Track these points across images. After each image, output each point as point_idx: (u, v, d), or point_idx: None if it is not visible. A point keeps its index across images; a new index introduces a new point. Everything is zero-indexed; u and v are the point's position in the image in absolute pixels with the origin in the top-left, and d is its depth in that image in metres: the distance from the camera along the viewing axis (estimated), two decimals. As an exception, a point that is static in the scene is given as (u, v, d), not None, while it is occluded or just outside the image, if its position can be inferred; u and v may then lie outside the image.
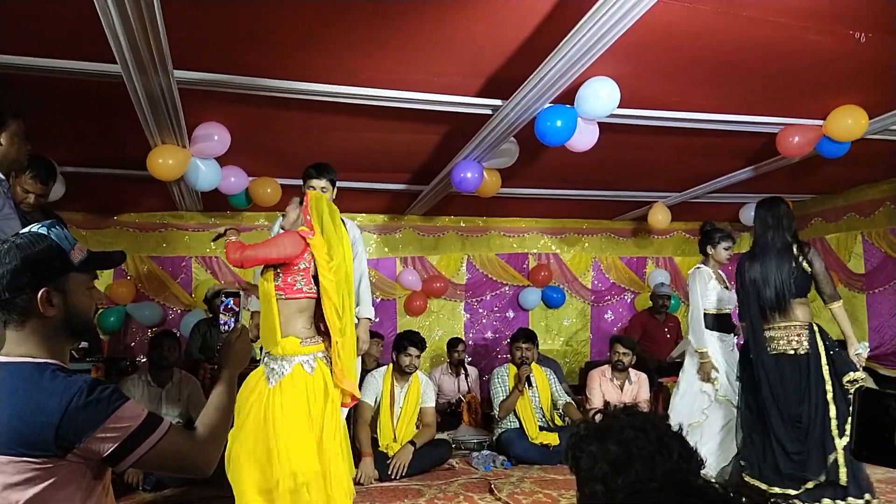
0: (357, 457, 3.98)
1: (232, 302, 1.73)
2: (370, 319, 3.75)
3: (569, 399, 5.02)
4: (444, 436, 4.94)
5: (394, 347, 4.67)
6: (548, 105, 3.63)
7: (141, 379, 4.29)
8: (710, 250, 4.20)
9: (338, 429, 2.77)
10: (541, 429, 4.80)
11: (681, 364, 4.33)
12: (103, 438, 1.30)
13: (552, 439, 4.61)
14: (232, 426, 1.53)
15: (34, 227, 1.42)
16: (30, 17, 2.70)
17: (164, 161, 4.09)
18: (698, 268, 4.21)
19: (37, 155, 2.88)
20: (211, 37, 2.94)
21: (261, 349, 2.91)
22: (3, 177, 2.49)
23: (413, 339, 4.63)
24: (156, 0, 2.42)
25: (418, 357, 4.62)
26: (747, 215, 6.48)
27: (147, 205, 5.99)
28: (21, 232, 1.42)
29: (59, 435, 1.26)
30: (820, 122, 4.04)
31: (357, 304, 3.58)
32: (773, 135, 4.26)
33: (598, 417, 1.10)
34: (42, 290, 1.35)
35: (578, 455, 1.05)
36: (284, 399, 2.68)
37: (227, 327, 1.78)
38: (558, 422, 4.96)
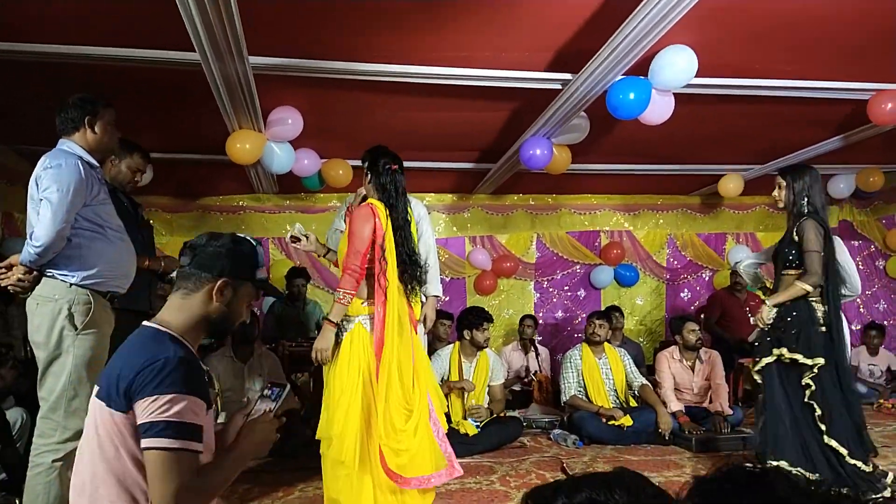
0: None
1: (276, 392, 1.74)
2: (438, 297, 3.78)
3: (644, 381, 4.93)
4: (515, 414, 4.96)
5: (464, 325, 4.70)
6: (620, 77, 3.53)
7: (225, 355, 4.49)
8: None
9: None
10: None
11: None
12: (144, 407, 1.39)
13: (625, 421, 4.55)
14: (219, 490, 1.51)
15: (250, 237, 1.70)
16: (112, 10, 2.84)
17: (242, 145, 4.24)
18: None
19: (126, 139, 3.04)
20: (282, 22, 3.01)
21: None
22: (97, 164, 2.65)
23: (486, 315, 4.70)
24: (230, -12, 2.49)
25: (489, 331, 4.71)
26: (836, 188, 6.14)
27: (226, 188, 6.23)
28: (241, 236, 1.69)
29: (129, 389, 1.39)
30: (917, 86, 3.76)
31: (424, 283, 3.62)
32: (864, 101, 3.99)
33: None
34: (221, 281, 1.57)
35: None
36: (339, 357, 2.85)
37: (260, 411, 1.70)
38: (633, 403, 4.89)
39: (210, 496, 1.45)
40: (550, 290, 7.02)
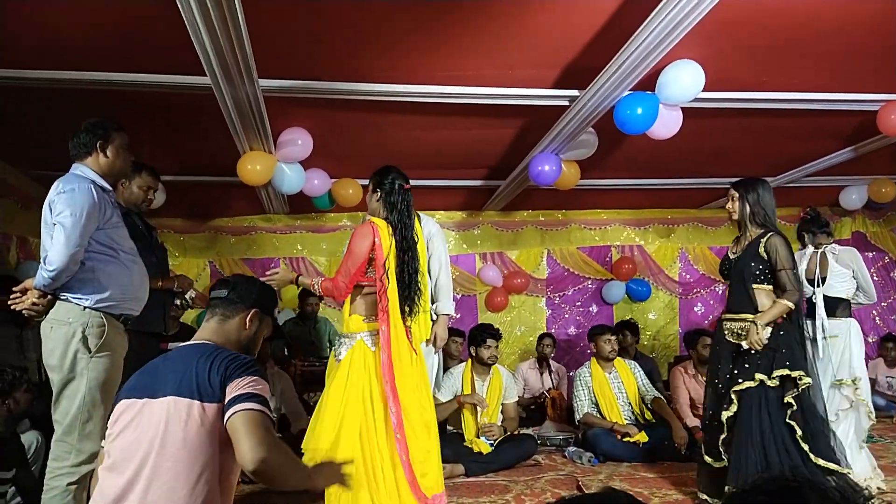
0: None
1: None
2: (449, 316, 3.76)
3: (657, 394, 4.87)
4: (529, 431, 4.92)
5: (471, 342, 4.70)
6: (627, 92, 3.54)
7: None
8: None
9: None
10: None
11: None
12: (235, 386, 1.67)
13: (640, 437, 4.49)
14: (297, 476, 1.73)
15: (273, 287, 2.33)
16: (124, 36, 2.89)
17: (253, 167, 4.28)
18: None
19: (134, 161, 3.08)
20: (291, 45, 3.05)
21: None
22: (110, 187, 2.68)
23: (490, 331, 4.66)
24: (240, 13, 2.53)
25: (497, 347, 4.66)
26: (848, 199, 6.10)
27: (237, 209, 6.28)
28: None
29: (223, 377, 1.68)
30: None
31: (436, 301, 3.61)
32: (873, 112, 3.97)
33: None
34: (253, 310, 1.94)
35: None
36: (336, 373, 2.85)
37: None
38: (649, 417, 4.83)
39: (283, 467, 1.62)
40: (562, 305, 6.99)
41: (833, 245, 3.89)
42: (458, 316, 6.60)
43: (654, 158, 5.07)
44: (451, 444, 4.15)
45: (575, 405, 4.92)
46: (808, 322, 3.79)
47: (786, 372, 3.05)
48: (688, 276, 7.16)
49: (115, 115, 2.91)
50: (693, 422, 4.59)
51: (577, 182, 4.93)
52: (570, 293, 6.99)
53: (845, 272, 3.79)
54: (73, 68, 3.16)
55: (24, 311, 2.49)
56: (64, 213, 2.41)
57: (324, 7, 2.73)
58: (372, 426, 2.75)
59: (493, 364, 4.64)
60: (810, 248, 3.91)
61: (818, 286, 3.80)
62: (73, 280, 2.46)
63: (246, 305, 1.93)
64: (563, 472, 4.18)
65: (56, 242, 2.39)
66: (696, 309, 7.14)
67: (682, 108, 3.66)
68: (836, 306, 3.80)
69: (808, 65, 3.40)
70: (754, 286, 3.23)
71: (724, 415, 3.11)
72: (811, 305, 3.82)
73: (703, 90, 3.35)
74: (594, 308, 7.02)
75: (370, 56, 3.18)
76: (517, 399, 4.90)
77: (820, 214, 4.02)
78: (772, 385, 3.06)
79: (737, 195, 3.32)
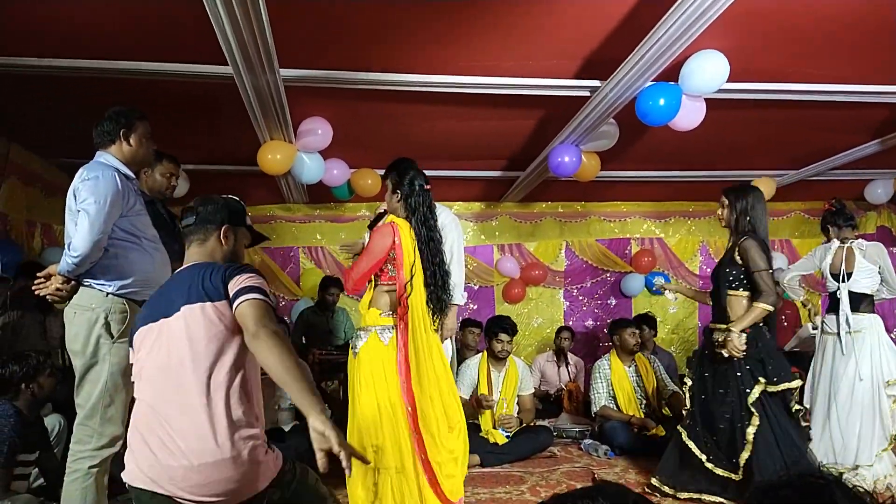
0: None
1: None
2: (458, 305, 3.76)
3: (676, 388, 4.84)
4: (545, 423, 4.91)
5: (485, 333, 4.71)
6: (650, 83, 3.50)
7: (255, 363, 4.56)
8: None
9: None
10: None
11: (798, 354, 4.07)
12: (235, 282, 1.84)
13: (658, 431, 4.47)
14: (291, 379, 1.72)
15: (234, 197, 2.20)
16: (147, 27, 2.91)
17: (273, 156, 4.30)
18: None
19: (157, 151, 3.11)
20: (312, 35, 3.05)
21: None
22: (133, 175, 2.71)
23: (503, 325, 4.64)
24: (262, 3, 2.53)
25: (510, 342, 4.64)
26: (873, 193, 5.99)
27: (257, 198, 6.31)
28: (229, 196, 2.18)
29: (224, 278, 1.86)
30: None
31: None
32: (902, 104, 3.89)
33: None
34: (224, 227, 2.05)
35: None
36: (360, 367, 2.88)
37: None
38: (666, 412, 4.81)
39: (282, 342, 1.71)
40: (580, 298, 6.95)
41: (860, 241, 3.83)
42: (476, 307, 6.60)
43: (675, 150, 5.01)
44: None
45: (592, 397, 4.91)
46: (833, 316, 3.75)
47: (787, 386, 3.12)
48: (708, 270, 7.05)
49: (137, 103, 2.94)
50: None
51: (596, 173, 4.89)
52: (588, 285, 6.95)
53: (872, 268, 3.73)
54: (97, 57, 3.18)
55: (47, 297, 2.53)
56: (88, 201, 2.44)
57: (344, -4, 2.73)
58: (399, 421, 2.77)
59: (505, 357, 4.63)
60: (835, 243, 3.85)
61: (843, 281, 3.74)
62: (97, 266, 2.49)
63: (216, 224, 2.05)
64: (579, 465, 4.18)
65: (80, 229, 2.43)
66: (716, 303, 7.06)
67: (706, 100, 3.61)
68: (860, 302, 3.75)
69: (834, 56, 3.34)
70: (729, 293, 3.27)
71: (749, 431, 3.10)
72: (835, 300, 3.77)
73: (727, 81, 3.30)
74: (612, 301, 6.98)
75: (390, 46, 3.17)
76: (533, 391, 4.90)
77: (845, 206, 3.95)
78: (771, 391, 3.12)
79: (727, 202, 3.34)
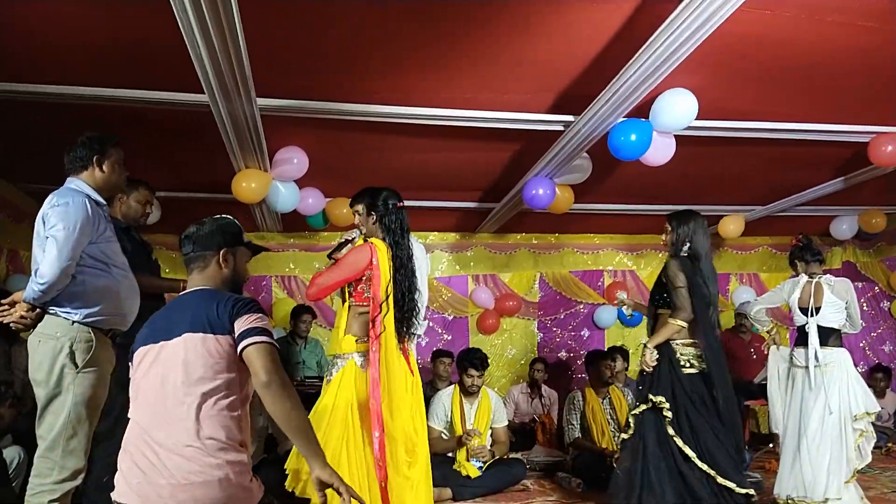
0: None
1: None
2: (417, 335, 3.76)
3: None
4: (518, 455, 4.87)
5: (457, 365, 4.69)
6: (621, 119, 3.58)
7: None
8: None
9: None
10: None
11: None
12: (243, 321, 1.84)
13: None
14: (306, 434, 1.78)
15: (227, 216, 2.16)
16: (123, 53, 2.90)
17: (248, 184, 4.28)
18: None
19: (131, 178, 3.08)
20: (289, 65, 3.07)
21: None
22: (104, 202, 2.67)
23: (472, 360, 4.59)
24: (240, 33, 2.55)
25: (480, 377, 4.59)
26: (838, 229, 6.15)
27: (231, 226, 6.25)
28: (222, 215, 2.16)
29: (231, 315, 1.85)
30: (917, 128, 3.80)
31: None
32: (864, 144, 4.03)
33: None
34: (224, 250, 2.03)
35: None
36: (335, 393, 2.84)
37: None
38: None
39: (290, 393, 1.76)
40: (554, 329, 6.97)
41: (828, 276, 3.91)
42: (450, 337, 6.58)
43: (647, 185, 5.11)
44: (440, 467, 4.10)
45: (566, 428, 4.89)
46: (801, 350, 3.81)
47: (656, 399, 3.27)
48: (679, 303, 7.16)
49: (110, 130, 2.91)
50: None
51: (570, 206, 4.95)
52: (561, 317, 6.97)
53: (839, 303, 3.80)
54: (70, 83, 3.16)
55: (11, 325, 2.46)
56: (57, 227, 2.39)
57: (323, 28, 2.75)
58: (360, 447, 2.72)
59: (476, 391, 4.60)
60: (804, 277, 3.92)
61: (811, 316, 3.81)
62: (63, 294, 2.43)
63: (213, 250, 2.04)
64: (552, 498, 4.15)
65: (48, 255, 2.37)
66: (687, 335, 7.13)
67: (676, 136, 3.70)
68: (828, 336, 3.81)
69: (801, 95, 3.45)
70: (659, 311, 3.43)
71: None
72: (804, 334, 3.83)
73: (697, 118, 3.39)
74: (586, 332, 7.01)
75: (368, 77, 3.20)
76: (507, 423, 4.87)
77: (812, 242, 4.04)
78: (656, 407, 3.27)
79: (669, 227, 3.45)
